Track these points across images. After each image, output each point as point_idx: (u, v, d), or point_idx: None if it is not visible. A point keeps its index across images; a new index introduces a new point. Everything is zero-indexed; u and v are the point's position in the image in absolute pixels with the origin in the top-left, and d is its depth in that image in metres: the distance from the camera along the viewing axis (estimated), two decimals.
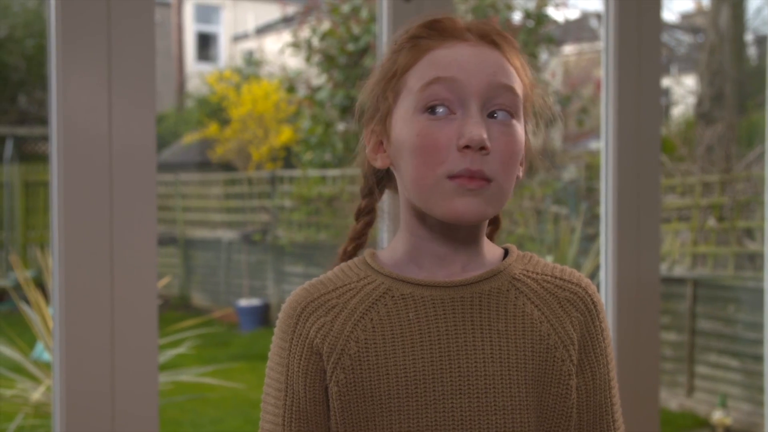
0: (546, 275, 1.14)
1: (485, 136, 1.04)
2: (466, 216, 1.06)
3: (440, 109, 1.06)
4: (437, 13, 1.13)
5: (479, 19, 1.15)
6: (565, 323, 1.11)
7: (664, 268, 5.98)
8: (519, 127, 1.08)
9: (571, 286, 1.14)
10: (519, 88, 1.09)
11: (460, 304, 1.09)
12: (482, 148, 1.04)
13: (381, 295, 1.11)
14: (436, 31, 1.11)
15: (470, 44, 1.09)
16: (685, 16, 13.98)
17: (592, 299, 1.14)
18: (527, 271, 1.14)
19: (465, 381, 1.07)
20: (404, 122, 1.08)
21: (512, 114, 1.08)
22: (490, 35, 1.11)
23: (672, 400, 5.66)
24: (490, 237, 1.20)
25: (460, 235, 1.11)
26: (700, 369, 5.62)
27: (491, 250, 1.16)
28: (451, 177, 1.05)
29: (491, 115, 1.07)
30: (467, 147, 1.04)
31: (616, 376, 1.18)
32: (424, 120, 1.06)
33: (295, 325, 1.11)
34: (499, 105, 1.07)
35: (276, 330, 1.14)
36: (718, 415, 5.14)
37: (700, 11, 13.02)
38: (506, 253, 1.17)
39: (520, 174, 1.13)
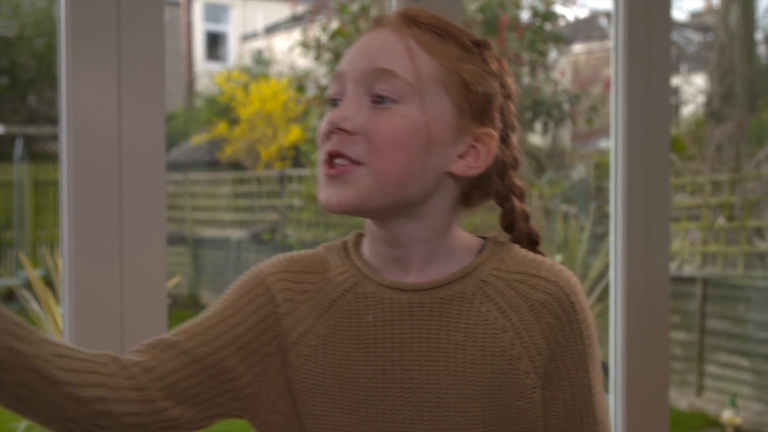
0: (520, 273, 1.06)
1: (340, 116, 1.02)
2: (330, 205, 1.03)
3: (332, 98, 1.07)
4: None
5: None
6: (533, 331, 1.04)
7: (673, 268, 5.96)
8: (405, 110, 1.02)
9: (546, 286, 1.05)
10: (406, 70, 1.03)
11: (418, 310, 1.05)
12: (340, 129, 1.02)
13: (347, 290, 1.07)
14: (371, 22, 1.11)
15: (376, 32, 1.07)
16: (695, 15, 13.95)
17: (569, 299, 1.06)
18: (499, 269, 1.07)
19: (416, 394, 1.03)
20: None
21: (395, 97, 1.02)
22: (412, 17, 1.07)
23: (682, 400, 5.64)
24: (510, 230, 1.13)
25: (397, 233, 1.06)
26: (710, 368, 5.61)
27: (464, 245, 1.10)
28: (322, 165, 1.04)
29: (377, 101, 1.03)
30: (332, 132, 1.03)
31: (600, 374, 1.11)
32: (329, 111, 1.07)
33: (265, 278, 1.10)
34: (380, 90, 1.02)
35: (238, 283, 1.12)
36: (727, 415, 5.12)
37: (710, 10, 12.99)
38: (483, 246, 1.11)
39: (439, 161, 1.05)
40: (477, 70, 1.07)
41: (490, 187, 1.10)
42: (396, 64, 1.03)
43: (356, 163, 1.02)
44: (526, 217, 1.13)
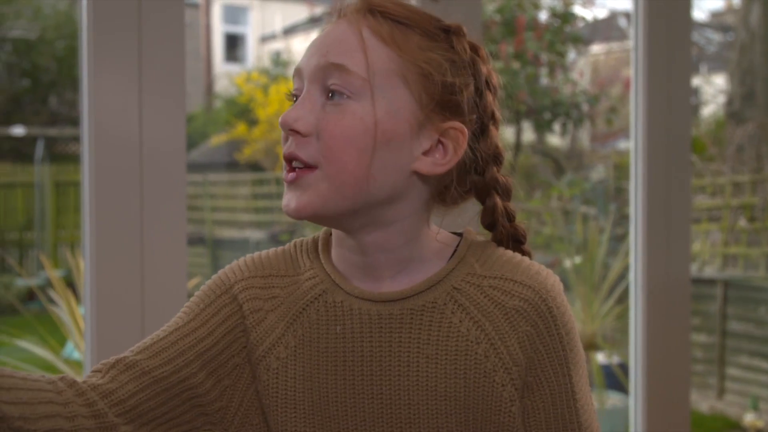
0: (494, 278, 1.00)
1: (291, 117, 0.97)
2: (289, 211, 0.98)
3: (292, 97, 1.02)
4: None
5: None
6: (509, 341, 0.99)
7: (694, 269, 5.93)
8: (356, 106, 0.96)
9: (521, 291, 0.99)
10: (357, 63, 0.96)
11: (388, 322, 1.00)
12: (292, 130, 0.97)
13: (316, 297, 1.03)
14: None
15: (334, 24, 1.01)
16: (715, 15, 13.87)
17: (546, 304, 0.99)
18: (472, 275, 1.01)
19: (387, 410, 0.99)
20: None
21: (348, 93, 0.96)
22: (371, 6, 1.00)
23: (703, 403, 5.61)
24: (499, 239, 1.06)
25: (365, 240, 1.01)
26: (731, 371, 5.57)
27: (438, 247, 1.04)
28: (283, 169, 0.99)
29: (330, 98, 0.97)
30: (283, 128, 0.98)
31: (584, 378, 1.05)
32: None
33: (231, 286, 1.05)
34: (332, 86, 0.97)
35: (203, 289, 1.07)
36: (749, 418, 5.09)
37: (730, 9, 12.92)
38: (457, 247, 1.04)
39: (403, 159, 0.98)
40: (440, 59, 0.99)
41: (468, 183, 1.03)
42: (347, 57, 0.97)
43: (311, 166, 0.97)
44: (510, 216, 1.05)
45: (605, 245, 5.32)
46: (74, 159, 9.35)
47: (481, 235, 1.07)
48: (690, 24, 2.45)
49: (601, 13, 10.73)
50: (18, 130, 10.07)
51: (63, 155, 10.02)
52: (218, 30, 16.34)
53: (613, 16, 10.50)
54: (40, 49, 11.22)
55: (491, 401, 0.99)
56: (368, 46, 0.97)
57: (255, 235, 9.46)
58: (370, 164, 0.96)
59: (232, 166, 11.18)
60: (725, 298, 5.61)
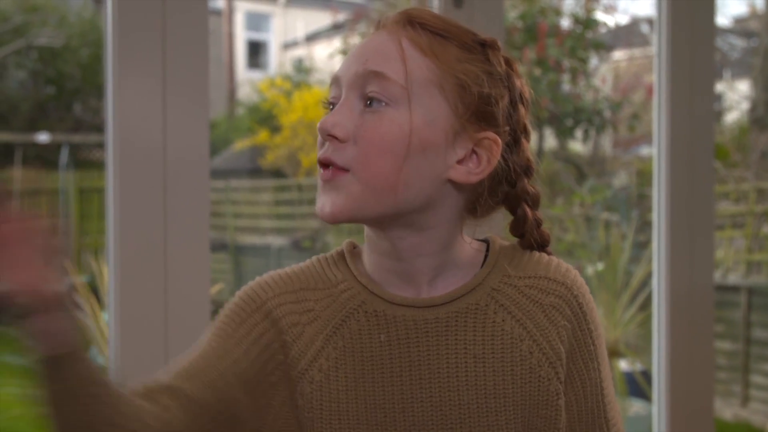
0: (530, 277, 1.04)
1: (330, 122, 0.99)
2: (323, 214, 0.99)
3: (330, 103, 1.04)
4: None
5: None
6: (551, 336, 1.03)
7: (717, 276, 5.89)
8: (394, 114, 0.98)
9: (556, 288, 1.04)
10: (396, 72, 0.98)
11: (434, 326, 1.01)
12: (330, 135, 0.99)
13: (355, 309, 1.03)
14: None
15: (374, 34, 1.03)
16: (739, 20, 13.79)
17: (577, 300, 1.04)
18: (509, 276, 1.04)
19: (437, 411, 1.00)
20: None
21: (386, 101, 0.98)
22: (410, 17, 1.02)
23: (726, 410, 5.57)
24: (519, 234, 1.09)
25: (400, 246, 1.02)
26: (756, 378, 5.53)
27: (469, 253, 1.06)
28: (318, 173, 1.01)
29: (369, 104, 0.99)
30: (325, 139, 1.00)
31: (609, 374, 1.09)
32: None
33: (263, 303, 1.05)
34: (370, 92, 0.98)
35: (231, 308, 1.08)
36: None
37: (754, 15, 12.83)
38: (487, 251, 1.07)
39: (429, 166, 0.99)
40: (477, 70, 1.01)
41: (500, 194, 1.06)
42: (387, 66, 0.99)
43: (343, 169, 0.98)
44: (539, 224, 1.08)
45: (628, 252, 5.30)
46: (98, 165, 9.41)
47: (505, 239, 1.09)
48: (713, 30, 2.44)
49: (623, 19, 10.71)
50: (43, 137, 10.15)
51: (87, 162, 10.09)
52: (241, 37, 16.42)
53: (635, 22, 10.46)
54: (65, 57, 11.31)
55: (538, 396, 1.02)
56: (407, 55, 0.99)
57: (277, 241, 9.48)
58: (405, 171, 0.98)
59: (255, 172, 11.22)
60: (749, 305, 5.57)
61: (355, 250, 1.09)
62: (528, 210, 1.07)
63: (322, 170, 1.01)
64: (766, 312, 5.55)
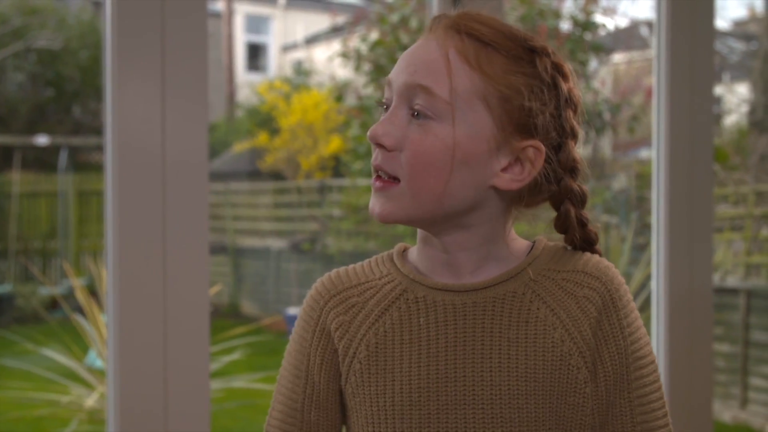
0: (567, 271, 1.09)
1: (380, 131, 1.04)
2: (374, 215, 1.06)
3: (384, 109, 1.09)
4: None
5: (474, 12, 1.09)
6: (582, 326, 1.06)
7: (716, 279, 5.90)
8: (439, 128, 1.03)
9: (590, 281, 1.08)
10: (442, 86, 1.03)
11: (471, 310, 1.07)
12: (379, 144, 1.05)
13: (397, 297, 1.10)
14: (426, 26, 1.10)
15: (427, 38, 1.07)
16: (738, 24, 13.81)
17: (610, 294, 1.08)
18: (548, 269, 1.09)
19: (470, 391, 1.05)
20: None
21: (431, 115, 1.03)
22: (459, 26, 1.06)
23: (725, 412, 5.57)
24: (564, 231, 1.12)
25: (447, 240, 1.08)
26: (755, 381, 5.53)
27: (514, 248, 1.11)
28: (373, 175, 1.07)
29: (415, 116, 1.04)
30: (372, 141, 1.06)
31: (651, 378, 1.10)
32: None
33: (318, 318, 1.13)
34: (417, 106, 1.04)
35: (300, 316, 1.16)
36: None
37: (753, 18, 12.85)
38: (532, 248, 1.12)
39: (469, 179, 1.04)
40: (522, 83, 1.04)
41: (545, 192, 1.09)
42: (433, 80, 1.03)
43: (395, 178, 1.05)
44: (583, 222, 1.11)
45: (627, 254, 5.30)
46: (97, 168, 9.41)
47: (553, 241, 1.14)
48: (713, 33, 2.44)
49: (622, 22, 10.71)
50: (42, 140, 10.16)
51: (86, 164, 10.10)
52: (240, 39, 16.43)
53: (635, 25, 10.47)
54: (64, 59, 11.32)
55: (567, 383, 1.05)
56: (454, 70, 1.03)
57: (276, 243, 9.48)
58: (449, 182, 1.03)
59: (254, 174, 11.23)
60: (748, 308, 5.57)
61: (404, 252, 1.15)
62: (571, 208, 1.10)
63: (375, 175, 1.07)
64: (764, 314, 5.55)
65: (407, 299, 1.09)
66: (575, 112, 1.09)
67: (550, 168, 1.07)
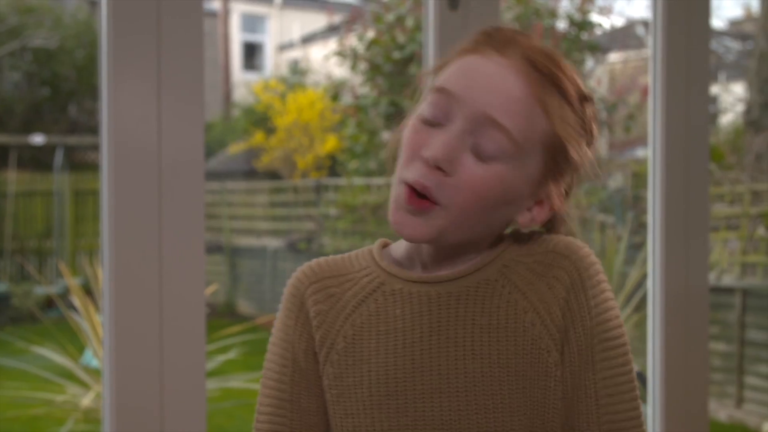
0: (539, 253, 1.08)
1: (444, 155, 1.00)
2: (403, 233, 1.03)
3: (433, 116, 1.04)
4: (503, 24, 1.12)
5: (547, 45, 1.09)
6: (552, 308, 1.05)
7: (712, 278, 5.90)
8: (501, 168, 1.01)
9: (560, 261, 1.06)
10: (519, 130, 1.01)
11: (446, 300, 1.06)
12: (438, 167, 1.00)
13: (374, 290, 1.10)
14: (486, 38, 1.06)
15: (502, 63, 1.03)
16: (734, 23, 13.83)
17: (579, 273, 1.06)
18: (522, 254, 1.08)
19: (444, 379, 1.05)
20: (410, 118, 1.08)
21: (497, 154, 1.01)
22: (536, 62, 1.04)
23: (721, 411, 5.58)
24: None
25: (443, 247, 1.07)
26: (750, 380, 5.54)
27: (492, 239, 1.11)
28: (407, 183, 1.02)
29: (478, 144, 1.01)
30: (428, 160, 1.01)
31: (620, 361, 1.06)
32: (418, 122, 1.05)
33: (301, 304, 1.13)
34: (485, 143, 1.01)
35: (281, 306, 1.15)
36: None
37: (749, 18, 12.87)
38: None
39: (519, 220, 1.08)
40: (576, 134, 1.06)
41: None
42: (512, 120, 1.01)
43: (436, 203, 1.01)
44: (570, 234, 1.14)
45: (623, 253, 5.31)
46: (93, 167, 9.40)
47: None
48: (709, 32, 2.44)
49: (618, 22, 10.72)
50: (38, 139, 10.14)
51: (82, 164, 10.08)
52: (236, 39, 16.41)
53: (631, 24, 10.48)
54: (59, 58, 11.30)
55: (538, 366, 1.04)
56: (534, 115, 1.02)
57: (272, 243, 9.48)
58: (490, 215, 1.04)
59: (250, 174, 11.23)
60: (744, 307, 5.58)
61: (386, 246, 1.15)
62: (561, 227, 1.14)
63: (408, 192, 1.02)
64: (760, 314, 5.56)
65: (384, 291, 1.09)
66: (593, 151, 1.12)
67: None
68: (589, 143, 1.10)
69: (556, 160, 1.05)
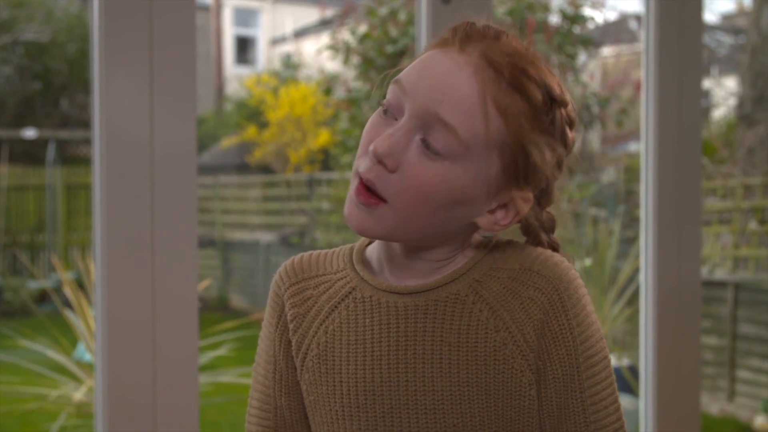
0: (514, 269, 1.04)
1: (385, 150, 0.97)
2: (351, 225, 1.01)
3: (389, 109, 1.01)
4: (487, 20, 1.06)
5: (520, 35, 1.05)
6: (525, 329, 1.02)
7: (704, 272, 5.92)
8: (449, 168, 0.98)
9: (536, 281, 1.02)
10: (467, 130, 0.97)
11: (413, 313, 1.04)
12: (380, 162, 0.98)
13: (346, 295, 1.08)
14: (453, 33, 1.03)
15: (458, 60, 0.99)
16: (726, 17, 13.85)
17: (558, 294, 1.02)
18: (494, 268, 1.04)
19: (412, 397, 1.03)
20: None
21: (444, 153, 0.97)
22: (495, 62, 0.99)
23: (713, 405, 5.60)
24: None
25: (411, 250, 1.05)
26: (742, 373, 5.56)
27: (469, 249, 1.07)
28: (360, 176, 1.00)
29: (426, 140, 0.98)
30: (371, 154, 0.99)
31: (603, 375, 1.05)
32: (377, 115, 1.02)
33: (282, 305, 1.12)
34: (432, 140, 0.97)
35: (268, 303, 1.15)
36: (760, 421, 5.07)
37: (741, 12, 12.90)
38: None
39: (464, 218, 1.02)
40: (540, 139, 1.01)
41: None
42: (461, 120, 0.97)
43: (382, 200, 0.99)
44: (554, 247, 1.10)
45: (615, 248, 5.31)
46: (85, 161, 9.38)
47: (511, 236, 1.11)
48: (701, 26, 2.44)
49: (611, 16, 10.73)
50: (29, 133, 10.11)
51: (74, 158, 10.06)
52: (229, 33, 16.37)
53: (623, 18, 10.49)
54: (51, 52, 11.26)
55: (511, 386, 1.02)
56: (487, 116, 0.98)
57: (265, 237, 9.47)
58: (439, 215, 1.00)
59: (243, 168, 11.21)
60: (736, 301, 5.60)
61: (368, 246, 1.12)
62: (542, 234, 1.09)
63: (359, 185, 1.00)
64: (752, 307, 5.58)
65: (355, 298, 1.07)
66: (569, 155, 1.06)
67: (529, 218, 1.07)
68: (565, 148, 1.04)
69: (517, 164, 1.00)
